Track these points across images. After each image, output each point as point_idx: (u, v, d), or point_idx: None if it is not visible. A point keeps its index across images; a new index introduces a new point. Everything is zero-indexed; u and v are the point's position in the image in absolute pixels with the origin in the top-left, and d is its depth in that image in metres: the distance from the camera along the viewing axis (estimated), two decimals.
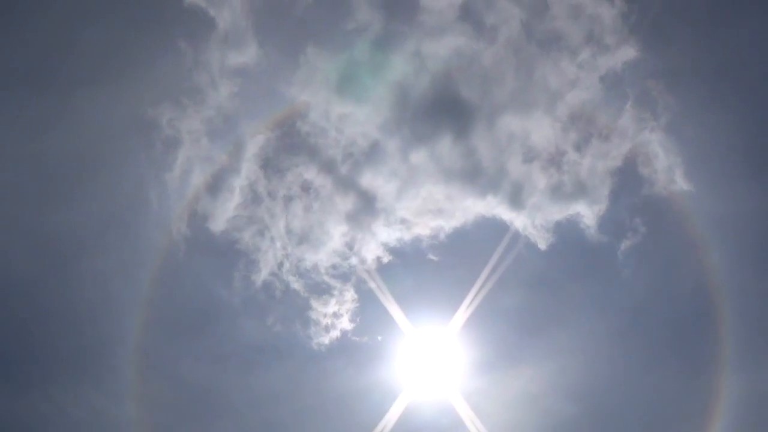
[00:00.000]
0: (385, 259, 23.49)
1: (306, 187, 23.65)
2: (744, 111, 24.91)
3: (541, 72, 23.43)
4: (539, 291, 25.01)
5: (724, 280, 23.57)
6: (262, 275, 23.46)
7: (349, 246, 23.67)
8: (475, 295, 23.39)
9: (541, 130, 23.44)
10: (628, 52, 23.35)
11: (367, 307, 23.55)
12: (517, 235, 23.38)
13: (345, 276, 23.63)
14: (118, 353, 23.57)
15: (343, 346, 23.68)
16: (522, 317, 25.05)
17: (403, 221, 23.46)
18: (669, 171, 23.56)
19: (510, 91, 23.38)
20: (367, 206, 23.43)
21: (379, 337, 23.41)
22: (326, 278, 23.60)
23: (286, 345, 23.64)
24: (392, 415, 22.92)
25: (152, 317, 23.83)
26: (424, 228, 23.33)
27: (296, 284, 23.42)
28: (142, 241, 23.60)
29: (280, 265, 23.51)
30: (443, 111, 23.30)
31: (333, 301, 23.67)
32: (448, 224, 23.22)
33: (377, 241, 23.62)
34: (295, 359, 23.99)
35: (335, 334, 23.50)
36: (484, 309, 24.08)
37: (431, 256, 23.09)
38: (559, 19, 23.53)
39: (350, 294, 23.60)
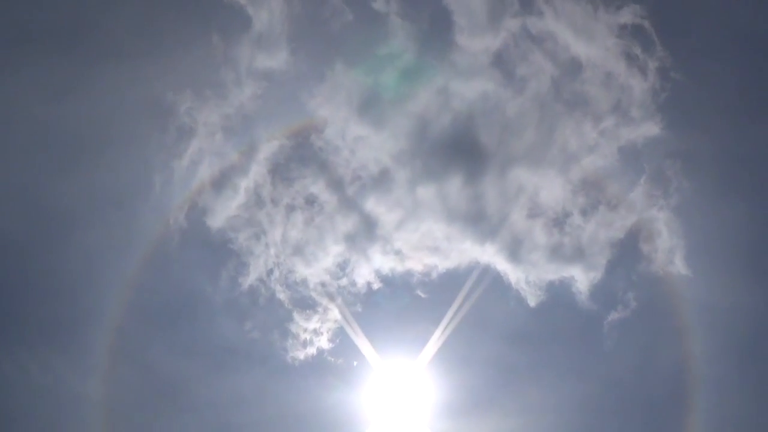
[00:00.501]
0: (375, 286, 23.47)
1: (310, 201, 23.65)
2: (755, 206, 24.94)
3: (562, 131, 23.48)
4: (521, 345, 24.99)
5: (704, 371, 23.51)
6: (250, 279, 23.42)
7: (342, 267, 23.65)
8: (456, 338, 23.39)
9: (551, 188, 23.47)
10: (652, 128, 23.41)
11: (349, 331, 23.51)
12: (508, 287, 23.38)
13: (332, 295, 23.59)
14: (92, 330, 23.50)
15: (318, 364, 23.60)
16: (499, 368, 25.00)
17: (398, 252, 23.46)
18: (670, 252, 23.56)
19: (528, 144, 23.43)
20: (366, 231, 23.43)
21: (355, 363, 23.32)
22: (313, 294, 23.56)
23: (260, 352, 23.57)
24: None
25: (133, 300, 23.78)
26: (418, 263, 23.31)
27: (282, 294, 23.38)
28: (138, 224, 23.58)
29: (270, 272, 23.48)
30: (458, 151, 23.33)
31: (316, 317, 23.61)
32: (442, 264, 23.20)
33: (370, 267, 23.60)
34: (267, 368, 23.91)
35: (311, 350, 23.42)
36: (464, 352, 24.10)
37: (420, 292, 23.07)
38: (590, 83, 23.61)
39: (334, 314, 23.55)
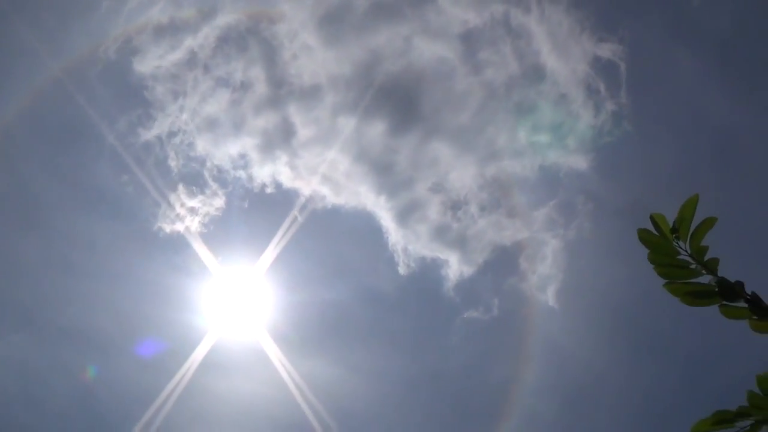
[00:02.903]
0: (269, 190, 23.48)
1: (240, 85, 23.53)
2: (632, 276, 25.31)
3: (497, 126, 23.63)
4: (372, 300, 25.32)
5: (522, 400, 24.03)
6: (150, 134, 23.24)
7: (243, 159, 23.64)
8: (319, 278, 23.59)
9: (463, 173, 23.69)
10: (580, 163, 23.64)
11: (226, 225, 23.42)
12: (385, 247, 23.63)
13: (225, 183, 23.53)
14: None
15: (179, 244, 23.43)
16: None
17: (295, 168, 23.48)
18: (545, 279, 23.94)
19: (460, 124, 23.56)
20: (278, 135, 23.45)
21: (220, 258, 23.11)
22: (206, 174, 23.49)
23: (127, 205, 23.37)
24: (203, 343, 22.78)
25: (19, 126, 23.32)
26: (308, 186, 23.38)
27: (174, 162, 23.27)
28: (68, 39, 23.19)
29: (172, 135, 23.33)
30: (394, 100, 23.37)
31: (199, 198, 23.45)
32: (331, 197, 23.31)
33: (269, 171, 23.63)
34: (129, 228, 23.78)
35: (180, 227, 23.16)
36: (319, 290, 24.35)
37: (296, 213, 23.12)
38: (544, 95, 23.74)
39: (219, 202, 23.42)
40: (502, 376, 24.37)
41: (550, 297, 24.24)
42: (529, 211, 24.00)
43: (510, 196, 23.75)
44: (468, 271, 23.61)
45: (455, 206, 23.51)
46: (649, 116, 25.21)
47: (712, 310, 1.58)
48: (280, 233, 22.89)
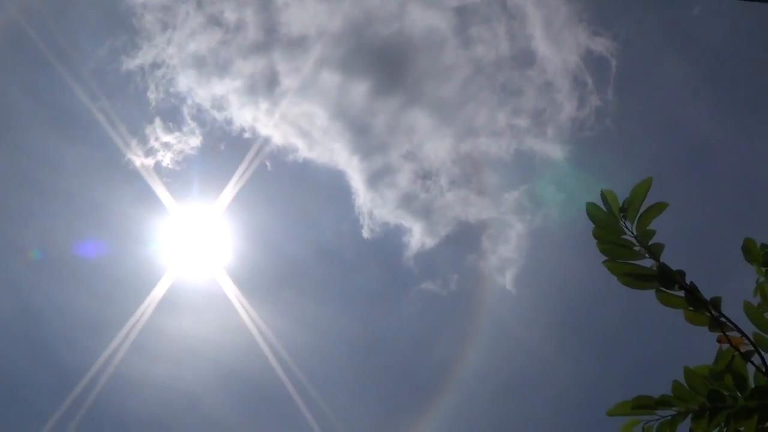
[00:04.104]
0: (246, 135, 23.12)
1: (233, 24, 22.99)
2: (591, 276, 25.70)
3: (478, 104, 23.57)
4: (327, 256, 25.37)
5: (461, 377, 24.38)
6: (133, 63, 22.61)
7: (224, 101, 23.22)
8: (282, 226, 23.48)
9: (438, 145, 23.66)
10: (555, 152, 23.76)
11: (197, 164, 23.05)
12: (351, 208, 23.58)
13: (203, 123, 23.10)
14: None
15: (149, 178, 22.88)
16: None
17: (271, 115, 23.16)
18: (505, 262, 24.17)
19: (442, 96, 23.44)
20: (262, 81, 23.06)
21: (188, 197, 22.72)
22: (185, 110, 23.03)
23: (100, 131, 22.77)
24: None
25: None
26: (282, 137, 23.13)
27: (153, 93, 22.75)
28: None
29: (157, 66, 22.77)
30: (381, 62, 23.13)
31: (175, 135, 22.97)
32: (303, 150, 23.09)
33: (247, 116, 23.28)
34: (96, 150, 23.29)
35: (150, 162, 22.65)
36: (285, 235, 24.26)
37: (267, 162, 22.88)
38: (530, 80, 23.70)
39: (196, 141, 22.99)
40: (446, 352, 24.71)
41: (507, 281, 24.54)
42: (498, 192, 24.13)
43: (481, 175, 23.83)
44: (430, 242, 23.75)
45: (426, 176, 23.53)
46: (632, 117, 25.36)
47: (663, 311, 1.57)
48: (248, 180, 22.67)
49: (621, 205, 1.50)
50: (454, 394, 24.33)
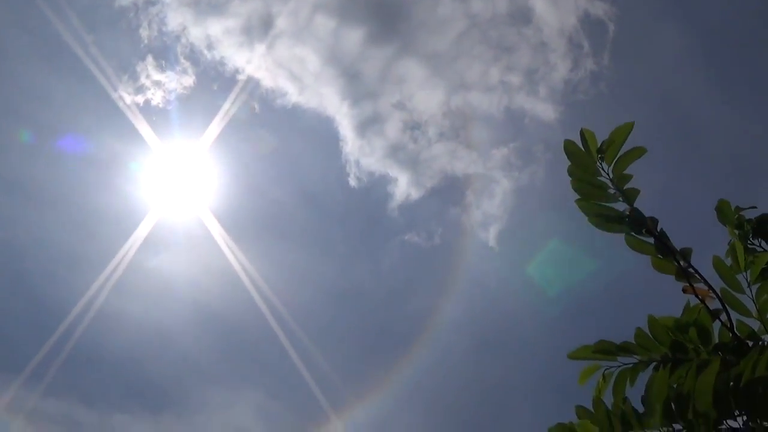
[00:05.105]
0: (238, 77, 22.72)
1: None
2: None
3: (471, 58, 23.31)
4: (309, 203, 25.37)
5: (436, 333, 24.70)
6: None
7: (217, 42, 22.74)
8: (264, 170, 23.30)
9: (429, 96, 23.47)
10: (547, 112, 23.70)
11: (189, 105, 22.65)
12: (338, 155, 23.46)
13: (197, 62, 22.62)
14: None
15: (139, 115, 22.43)
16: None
17: (264, 58, 22.81)
18: (489, 219, 24.26)
19: (436, 48, 23.14)
20: (257, 23, 22.59)
21: (177, 138, 22.34)
22: (179, 50, 22.53)
23: (90, 66, 22.17)
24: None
25: None
26: (273, 80, 22.81)
27: (146, 32, 22.15)
28: None
29: (151, 3, 22.11)
30: (377, 11, 22.71)
31: (168, 74, 22.49)
32: (293, 94, 22.80)
33: (241, 59, 22.87)
34: (85, 85, 22.79)
35: (141, 99, 22.16)
36: (266, 182, 24.15)
37: (255, 104, 22.56)
38: (526, 38, 23.41)
39: (189, 81, 22.52)
40: (425, 302, 24.98)
41: (490, 237, 24.67)
42: (486, 147, 24.07)
43: (470, 129, 23.72)
44: (415, 194, 23.76)
45: (415, 127, 23.39)
46: (626, 84, 25.22)
47: (641, 268, 1.55)
48: (236, 122, 22.44)
49: (599, 146, 1.48)
50: (428, 347, 24.68)
